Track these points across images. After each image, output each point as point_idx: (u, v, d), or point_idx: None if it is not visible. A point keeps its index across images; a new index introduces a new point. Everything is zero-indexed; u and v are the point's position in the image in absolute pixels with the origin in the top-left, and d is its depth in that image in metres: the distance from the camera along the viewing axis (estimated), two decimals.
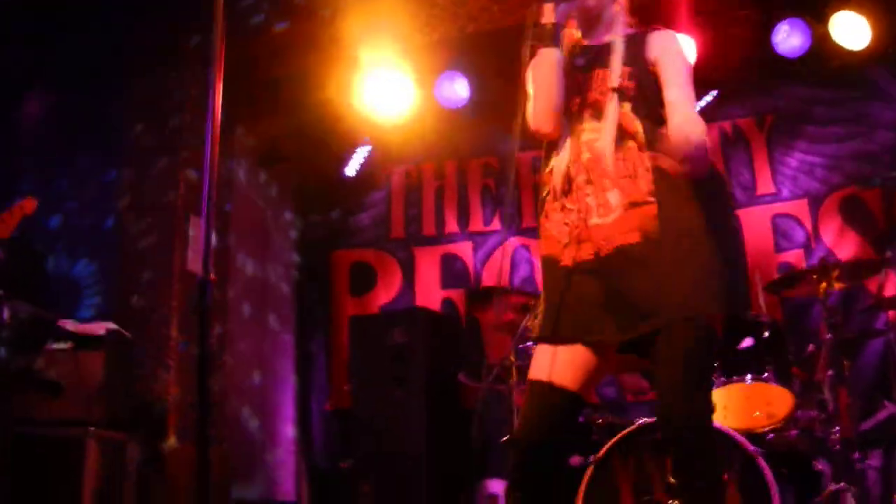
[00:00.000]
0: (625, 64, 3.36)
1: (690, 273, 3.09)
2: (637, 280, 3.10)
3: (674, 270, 3.08)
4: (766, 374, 5.35)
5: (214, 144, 2.95)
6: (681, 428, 2.98)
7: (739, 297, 7.27)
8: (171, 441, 6.71)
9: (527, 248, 8.49)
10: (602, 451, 4.92)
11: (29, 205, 5.78)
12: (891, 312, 6.44)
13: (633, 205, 3.17)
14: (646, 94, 3.33)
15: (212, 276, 2.89)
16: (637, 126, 3.27)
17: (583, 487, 4.86)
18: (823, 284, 5.58)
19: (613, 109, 3.28)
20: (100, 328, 6.14)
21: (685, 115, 3.21)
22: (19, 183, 7.67)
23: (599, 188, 3.24)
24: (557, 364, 3.20)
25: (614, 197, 3.20)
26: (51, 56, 7.86)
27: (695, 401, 2.99)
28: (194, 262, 7.15)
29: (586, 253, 3.21)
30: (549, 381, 3.19)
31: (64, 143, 7.87)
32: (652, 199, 3.16)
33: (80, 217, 7.71)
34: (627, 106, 3.30)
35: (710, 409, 3.10)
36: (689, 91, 3.30)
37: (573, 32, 3.58)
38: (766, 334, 5.49)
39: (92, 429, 5.69)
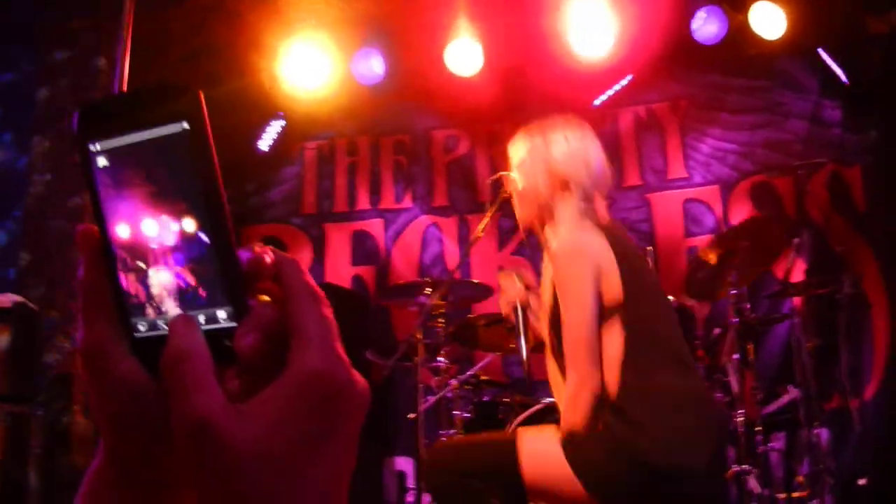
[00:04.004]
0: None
1: None
2: None
3: None
4: None
5: None
6: None
7: None
8: (77, 415, 6.58)
9: (437, 226, 8.46)
10: (509, 431, 4.90)
11: None
12: (796, 299, 6.52)
13: None
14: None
15: None
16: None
17: None
18: (730, 271, 5.61)
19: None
20: (6, 301, 6.01)
21: (567, 404, 3.31)
22: None
23: None
24: None
25: None
26: None
27: None
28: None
29: None
30: None
31: None
32: None
33: None
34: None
35: None
36: (573, 351, 3.32)
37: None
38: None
39: None
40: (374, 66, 8.06)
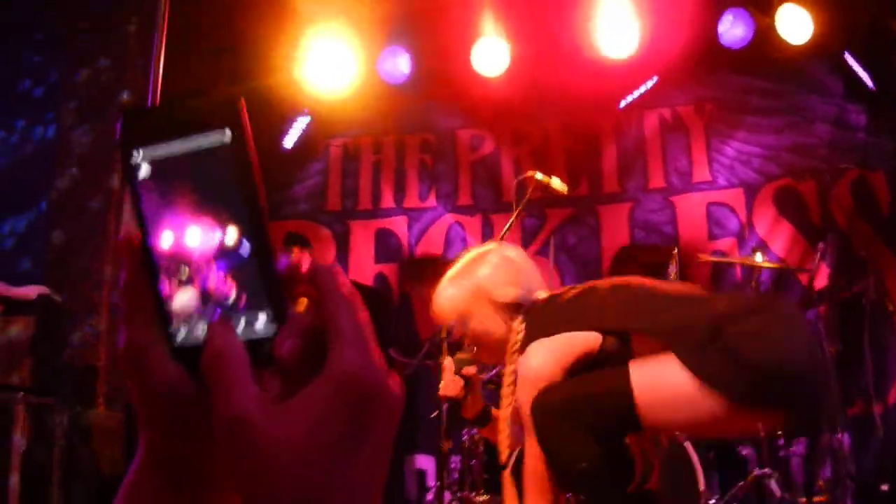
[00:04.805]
0: None
1: None
2: None
3: None
4: None
5: None
6: None
7: None
8: (100, 407, 6.62)
9: (461, 225, 8.47)
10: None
11: None
12: (819, 303, 6.51)
13: None
14: None
15: None
16: None
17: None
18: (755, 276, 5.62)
19: None
20: (31, 292, 6.04)
21: None
22: None
23: None
24: None
25: None
26: None
27: None
28: (129, 226, 7.06)
29: None
30: None
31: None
32: None
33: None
34: None
35: None
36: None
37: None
38: None
39: (20, 394, 5.61)
40: (400, 64, 8.07)
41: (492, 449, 5.28)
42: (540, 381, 3.28)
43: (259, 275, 0.77)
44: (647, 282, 3.56)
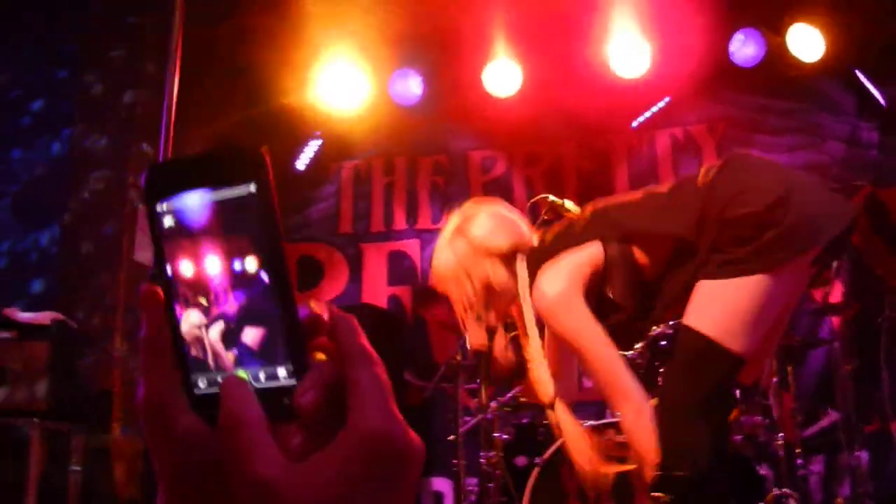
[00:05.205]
0: None
1: None
2: None
3: None
4: None
5: (168, 135, 2.92)
6: None
7: None
8: (116, 432, 6.63)
9: None
10: (548, 453, 4.90)
11: None
12: (835, 320, 6.50)
13: None
14: None
15: None
16: None
17: (529, 489, 4.85)
18: None
19: None
20: (46, 318, 6.05)
21: (634, 442, 3.37)
22: None
23: None
24: None
25: None
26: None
27: None
28: (142, 253, 7.07)
29: None
30: None
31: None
32: None
33: None
34: None
35: None
36: (612, 391, 3.39)
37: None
38: None
39: (36, 419, 5.61)
40: (411, 86, 8.09)
41: (510, 470, 5.29)
42: (561, 303, 3.36)
43: (280, 327, 0.78)
44: (617, 197, 3.71)
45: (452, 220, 3.80)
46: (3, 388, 5.66)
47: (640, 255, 3.41)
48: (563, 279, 3.40)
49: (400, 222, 8.82)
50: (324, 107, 7.97)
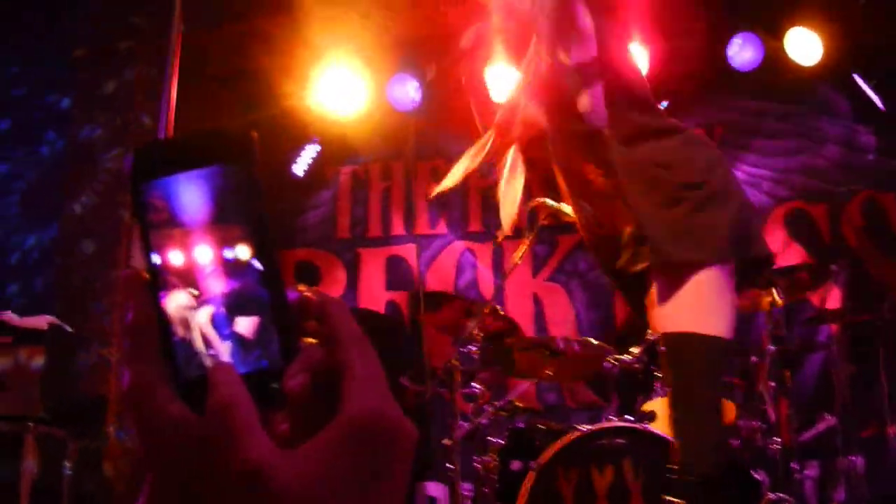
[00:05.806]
0: None
1: None
2: None
3: None
4: None
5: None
6: None
7: None
8: (111, 437, 6.62)
9: (472, 252, 8.46)
10: (545, 458, 4.88)
11: None
12: (832, 325, 6.49)
13: None
14: None
15: None
16: None
17: (524, 493, 4.83)
18: (768, 298, 5.60)
19: None
20: (42, 322, 6.05)
21: None
22: None
23: None
24: None
25: None
26: None
27: None
28: (139, 258, 7.07)
29: None
30: None
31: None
32: None
33: None
34: None
35: None
36: None
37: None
38: None
39: (31, 424, 5.61)
40: (410, 91, 8.08)
41: (504, 475, 5.27)
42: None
43: (269, 310, 0.76)
44: None
45: None
46: None
47: None
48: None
49: (398, 227, 8.80)
50: (322, 112, 7.96)
